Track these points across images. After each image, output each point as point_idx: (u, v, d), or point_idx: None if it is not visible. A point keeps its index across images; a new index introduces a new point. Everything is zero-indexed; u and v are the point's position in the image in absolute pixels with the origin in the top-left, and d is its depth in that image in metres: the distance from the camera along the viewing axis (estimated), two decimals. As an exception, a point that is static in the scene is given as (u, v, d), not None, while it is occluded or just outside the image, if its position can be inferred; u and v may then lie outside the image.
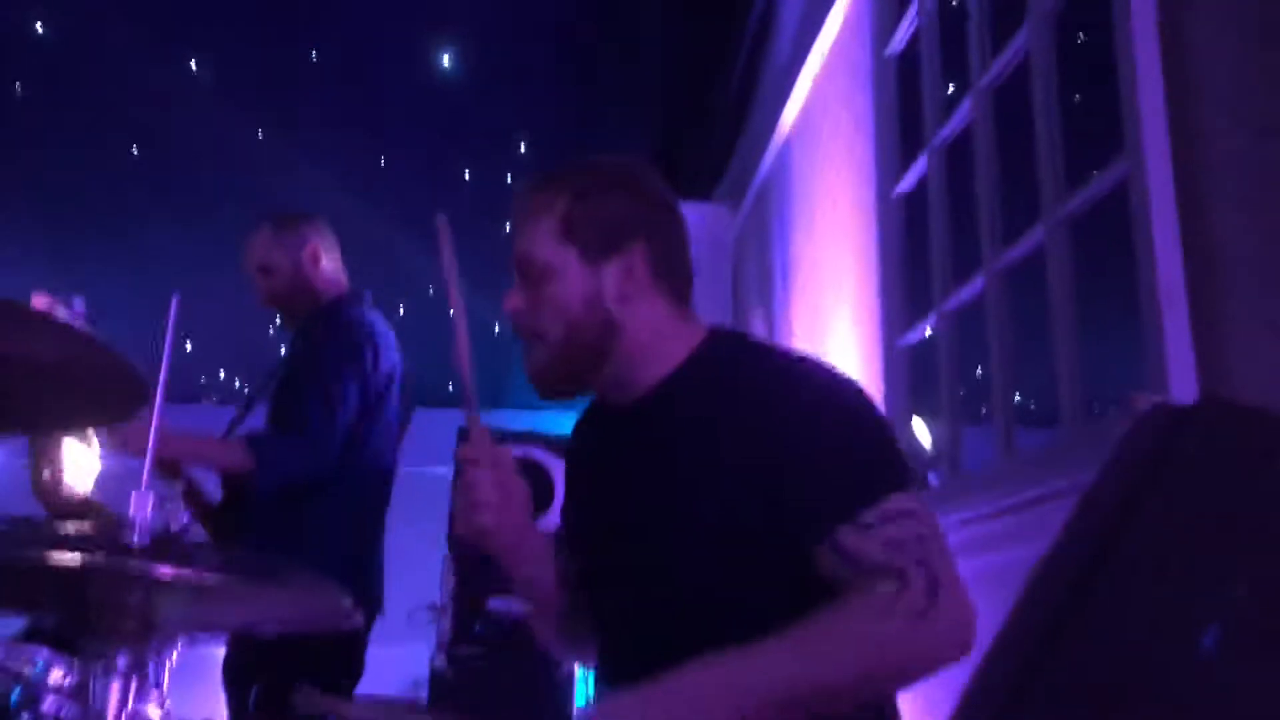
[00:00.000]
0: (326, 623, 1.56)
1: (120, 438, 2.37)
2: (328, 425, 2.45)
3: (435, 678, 3.87)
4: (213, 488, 2.64)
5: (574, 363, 1.29)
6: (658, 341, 1.30)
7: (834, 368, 1.27)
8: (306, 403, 2.45)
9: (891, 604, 1.07)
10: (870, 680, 1.10)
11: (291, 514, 2.48)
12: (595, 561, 1.36)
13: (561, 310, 1.28)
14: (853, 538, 1.11)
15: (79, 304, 2.34)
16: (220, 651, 2.56)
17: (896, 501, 1.12)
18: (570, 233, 1.28)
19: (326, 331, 2.58)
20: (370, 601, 2.57)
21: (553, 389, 1.33)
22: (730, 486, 1.18)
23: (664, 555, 1.24)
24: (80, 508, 3.74)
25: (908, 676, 1.11)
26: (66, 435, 3.71)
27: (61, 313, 2.29)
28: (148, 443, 2.35)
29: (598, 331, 1.27)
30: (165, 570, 1.11)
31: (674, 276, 1.32)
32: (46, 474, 3.70)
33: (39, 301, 2.22)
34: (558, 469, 3.82)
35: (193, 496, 2.56)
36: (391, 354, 2.67)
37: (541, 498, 3.71)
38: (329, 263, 2.73)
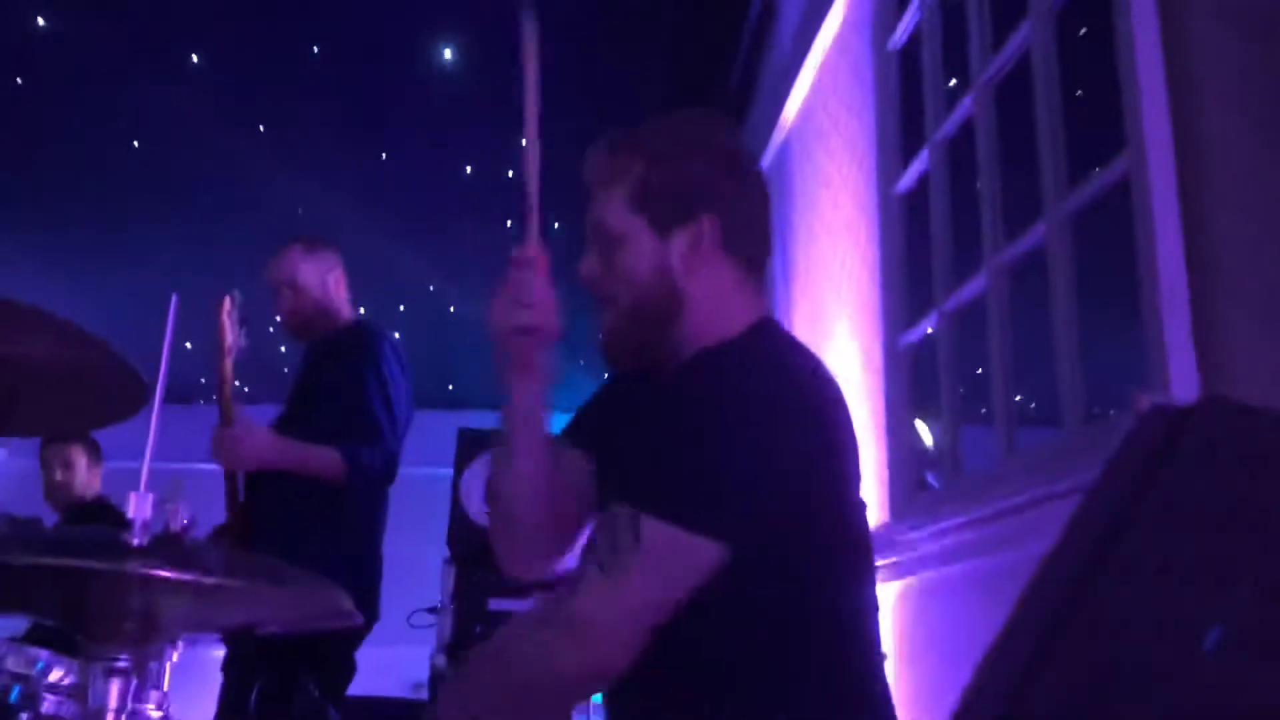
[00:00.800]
0: (326, 623, 1.56)
1: (239, 449, 2.52)
2: (392, 432, 2.61)
3: (436, 679, 3.87)
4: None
5: (642, 330, 1.29)
6: (724, 311, 1.28)
7: (816, 394, 1.21)
8: (374, 413, 2.59)
9: (541, 618, 1.13)
10: (522, 690, 1.13)
11: (301, 519, 2.54)
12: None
13: (630, 278, 1.27)
14: (598, 523, 1.14)
15: (238, 297, 2.48)
16: (220, 652, 2.57)
17: (655, 528, 1.07)
18: (642, 200, 1.27)
19: (369, 351, 2.69)
20: (369, 605, 2.60)
21: (621, 356, 1.32)
22: (628, 461, 1.21)
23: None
24: (92, 509, 3.76)
25: (540, 690, 1.13)
26: (67, 435, 3.74)
27: (226, 306, 2.41)
28: (240, 448, 2.47)
29: (664, 301, 1.27)
30: (164, 571, 1.10)
31: (746, 246, 1.30)
32: (58, 475, 3.73)
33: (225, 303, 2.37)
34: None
35: (232, 493, 2.63)
36: (410, 384, 2.78)
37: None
38: (345, 290, 2.89)
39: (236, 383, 2.60)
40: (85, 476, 3.78)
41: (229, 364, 2.58)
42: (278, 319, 2.90)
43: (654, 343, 1.29)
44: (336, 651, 2.54)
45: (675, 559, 1.08)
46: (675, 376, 1.27)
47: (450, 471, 3.82)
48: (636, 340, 1.30)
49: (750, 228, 1.32)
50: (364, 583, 2.60)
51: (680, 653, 1.12)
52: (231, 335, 2.58)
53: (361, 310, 2.95)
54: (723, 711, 1.15)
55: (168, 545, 1.15)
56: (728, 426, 1.12)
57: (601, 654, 1.08)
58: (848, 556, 1.23)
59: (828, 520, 1.19)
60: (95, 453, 3.82)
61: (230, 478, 2.61)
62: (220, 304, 2.58)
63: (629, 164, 1.29)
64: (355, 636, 2.56)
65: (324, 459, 2.53)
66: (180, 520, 1.18)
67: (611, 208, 1.29)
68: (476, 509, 3.57)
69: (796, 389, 1.20)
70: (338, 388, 2.65)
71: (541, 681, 1.11)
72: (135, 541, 1.12)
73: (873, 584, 1.28)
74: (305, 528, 2.53)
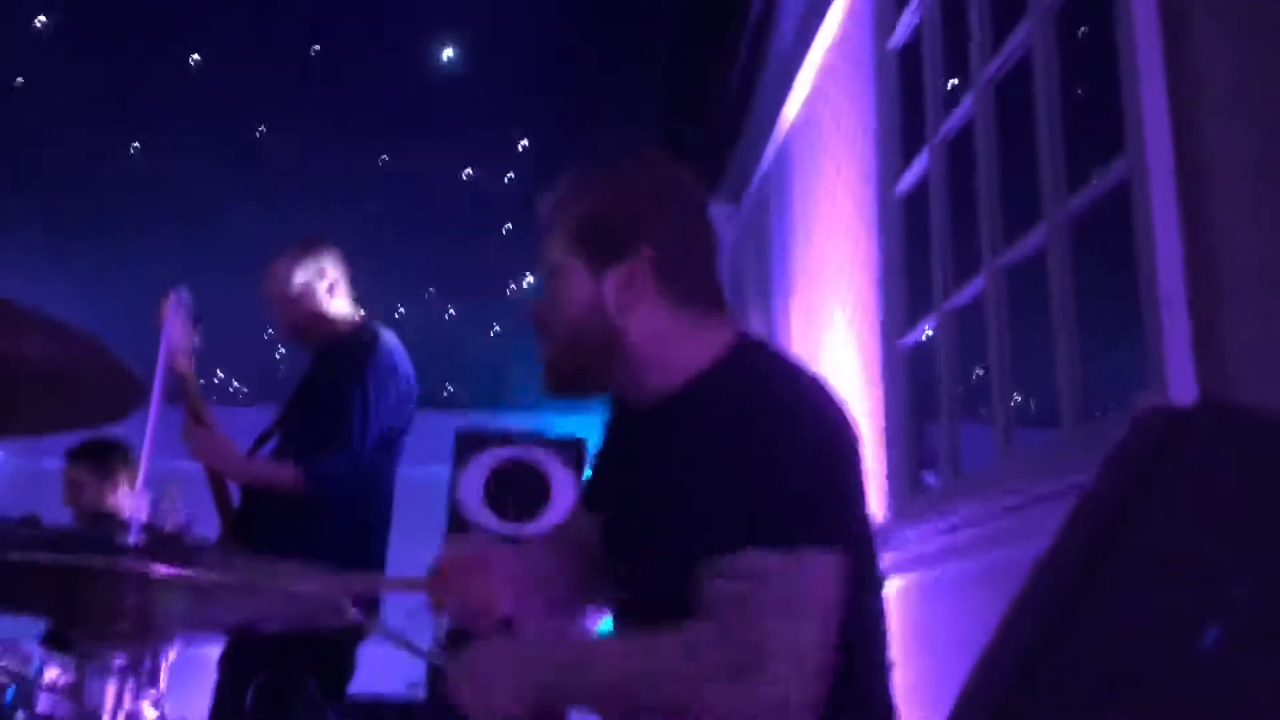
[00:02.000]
0: (325, 622, 1.56)
1: (195, 443, 2.53)
2: (362, 442, 2.58)
3: (433, 677, 3.87)
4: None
5: (578, 363, 1.33)
6: (664, 349, 1.30)
7: (821, 396, 1.24)
8: (346, 421, 2.57)
9: (700, 652, 1.10)
10: (670, 711, 1.12)
11: (305, 523, 2.55)
12: (610, 537, 1.40)
13: (565, 313, 1.32)
14: (711, 570, 1.12)
15: (185, 295, 2.47)
16: (217, 651, 2.57)
17: (775, 562, 1.09)
18: (579, 240, 1.32)
19: (362, 360, 2.67)
20: (370, 606, 2.60)
21: (559, 386, 1.36)
22: (673, 505, 1.22)
23: (647, 559, 1.28)
24: (92, 519, 3.75)
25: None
26: (71, 458, 3.72)
27: (171, 305, 2.39)
28: (214, 452, 2.47)
29: (599, 336, 1.30)
30: (158, 570, 1.10)
31: (686, 282, 1.32)
32: (68, 497, 3.71)
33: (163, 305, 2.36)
34: (556, 470, 3.81)
35: (221, 500, 2.63)
36: (412, 384, 2.77)
37: (539, 498, 3.71)
38: (344, 294, 2.85)
39: (201, 381, 2.60)
40: (94, 494, 3.75)
41: (184, 362, 2.56)
42: (274, 330, 2.90)
43: (591, 375, 1.34)
44: (336, 650, 2.54)
45: (820, 583, 1.11)
46: (680, 410, 1.29)
47: (448, 472, 3.81)
48: (570, 371, 1.35)
49: (691, 264, 1.34)
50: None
51: None
52: (180, 335, 2.55)
53: (362, 313, 2.94)
54: None
55: (163, 543, 1.15)
56: (771, 443, 1.16)
57: (801, 692, 1.08)
58: (863, 564, 1.24)
59: (850, 528, 1.21)
60: (104, 466, 3.76)
61: (216, 480, 2.61)
62: (163, 304, 2.55)
63: (570, 205, 1.35)
64: (355, 635, 2.56)
65: (279, 475, 2.55)
66: (176, 519, 1.18)
67: (554, 247, 1.34)
68: (473, 509, 3.57)
69: (813, 404, 1.23)
70: (322, 393, 2.66)
71: None
72: (131, 540, 1.11)
73: (881, 591, 1.29)
74: (304, 526, 2.53)
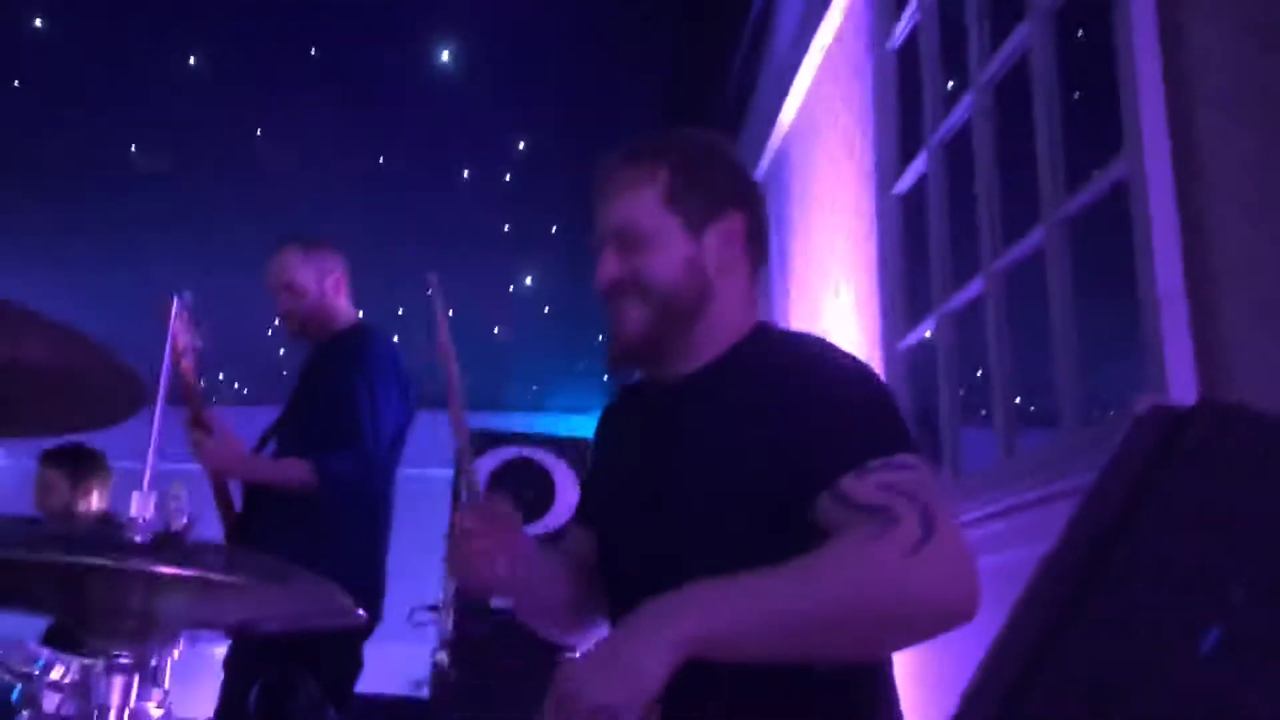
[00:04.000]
0: (328, 622, 1.57)
1: (202, 452, 2.54)
2: (375, 441, 2.58)
3: (437, 676, 3.88)
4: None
5: (668, 327, 1.31)
6: (741, 311, 1.35)
7: (847, 351, 1.30)
8: (356, 418, 2.56)
9: (881, 535, 1.06)
10: (864, 611, 1.06)
11: (310, 524, 2.54)
12: (618, 530, 1.37)
13: (663, 275, 1.30)
14: (852, 481, 1.11)
15: (187, 297, 2.46)
16: (221, 650, 2.58)
17: (900, 457, 1.13)
18: (673, 201, 1.31)
19: (365, 357, 2.68)
20: (372, 604, 2.61)
21: (639, 355, 1.34)
22: (758, 455, 1.20)
23: (692, 525, 1.24)
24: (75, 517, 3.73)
25: (903, 614, 1.07)
26: (47, 458, 3.70)
27: (174, 308, 2.38)
28: (222, 456, 2.47)
29: (696, 296, 1.31)
30: (164, 569, 1.11)
31: (762, 250, 1.38)
32: (38, 498, 3.69)
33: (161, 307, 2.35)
34: (558, 470, 3.82)
35: (223, 501, 2.64)
36: (410, 383, 2.78)
37: (542, 499, 3.71)
38: (346, 292, 2.86)
39: (201, 382, 2.59)
40: (64, 497, 3.73)
41: (187, 365, 2.54)
42: (276, 321, 2.89)
43: (676, 341, 1.32)
44: (341, 649, 2.55)
45: (928, 470, 1.14)
46: (731, 371, 1.30)
47: (450, 471, 3.82)
48: (658, 337, 1.31)
49: (765, 230, 1.39)
50: (367, 581, 2.61)
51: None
52: (184, 337, 2.55)
53: (360, 313, 2.94)
54: (739, 708, 1.16)
55: (169, 543, 1.15)
56: (858, 387, 1.22)
57: (964, 558, 1.08)
58: None
59: None
60: (78, 472, 3.71)
61: (218, 482, 2.62)
62: (166, 307, 2.54)
63: (655, 168, 1.32)
64: (359, 634, 2.57)
65: (292, 472, 2.53)
66: (181, 520, 1.18)
67: (642, 209, 1.31)
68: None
69: (858, 359, 1.29)
70: (327, 391, 2.65)
71: (934, 613, 1.07)
72: (137, 539, 1.12)
73: None
74: (306, 526, 2.53)
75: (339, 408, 2.59)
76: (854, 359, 1.28)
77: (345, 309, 2.85)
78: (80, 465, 3.68)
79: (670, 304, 1.30)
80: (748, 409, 1.23)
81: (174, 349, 2.49)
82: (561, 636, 1.49)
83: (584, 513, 1.48)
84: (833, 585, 1.05)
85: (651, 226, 1.30)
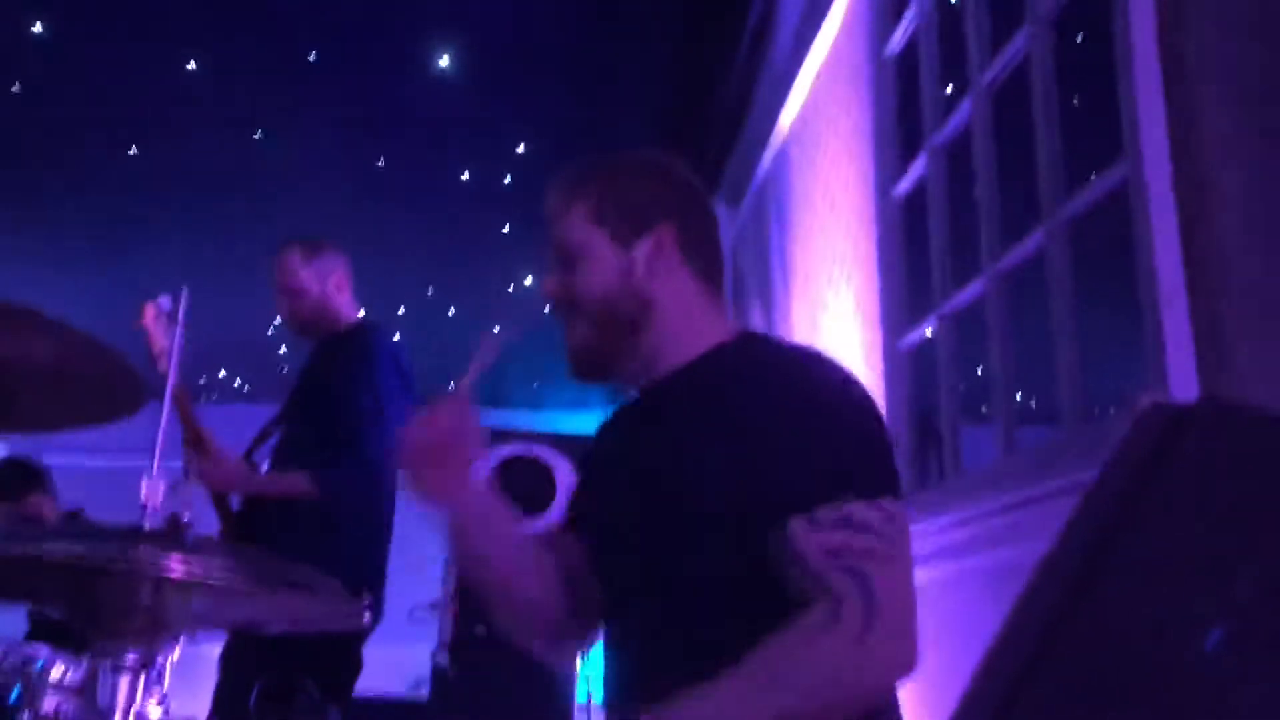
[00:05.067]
0: (333, 622, 1.56)
1: (203, 474, 2.55)
2: (378, 445, 2.56)
3: (437, 676, 3.88)
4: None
5: (610, 339, 1.33)
6: (689, 321, 1.34)
7: (846, 369, 1.27)
8: (357, 420, 2.56)
9: (827, 627, 1.06)
10: (822, 708, 1.08)
11: (312, 525, 2.54)
12: (600, 540, 1.38)
13: (597, 287, 1.33)
14: (801, 532, 1.11)
15: (167, 302, 2.42)
16: (218, 649, 2.57)
17: (858, 510, 1.11)
18: (601, 216, 1.34)
19: (367, 357, 2.68)
20: (375, 605, 2.61)
21: (590, 367, 1.37)
22: (724, 470, 1.19)
23: (662, 536, 1.25)
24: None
25: (855, 699, 1.10)
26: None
27: (149, 314, 2.35)
28: (222, 478, 2.46)
29: (632, 307, 1.32)
30: (174, 568, 1.11)
31: (704, 259, 1.37)
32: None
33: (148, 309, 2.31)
34: (559, 467, 3.81)
35: (221, 503, 2.64)
36: (414, 385, 2.77)
37: (542, 496, 3.71)
38: (348, 291, 2.87)
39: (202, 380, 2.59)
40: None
41: (163, 369, 2.51)
42: (278, 320, 2.90)
43: (622, 352, 1.34)
44: (341, 649, 2.54)
45: (902, 530, 1.12)
46: (700, 379, 1.30)
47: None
48: (603, 350, 1.34)
49: (706, 243, 1.39)
50: (368, 581, 2.61)
51: (689, 635, 1.15)
52: (160, 341, 2.53)
53: (362, 312, 2.94)
54: None
55: (178, 532, 1.15)
56: (836, 415, 1.19)
57: (907, 636, 1.09)
58: None
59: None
60: (8, 489, 3.55)
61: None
62: (143, 313, 2.51)
63: (585, 187, 1.37)
64: (360, 635, 2.56)
65: (292, 484, 2.54)
66: (189, 512, 1.18)
67: (573, 226, 1.35)
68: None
69: (845, 373, 1.26)
70: (329, 393, 2.65)
71: (872, 695, 1.11)
72: (146, 526, 1.12)
73: None
74: (307, 526, 2.53)
75: (340, 413, 2.58)
76: (843, 377, 1.26)
77: (347, 308, 2.86)
78: (10, 483, 3.50)
79: (605, 315, 1.32)
80: (715, 420, 1.23)
81: (157, 356, 2.49)
82: (544, 650, 1.48)
83: (569, 521, 1.48)
84: (789, 691, 1.07)
85: (581, 242, 1.34)
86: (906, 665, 1.08)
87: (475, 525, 1.35)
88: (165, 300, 2.47)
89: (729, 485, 1.18)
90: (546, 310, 1.39)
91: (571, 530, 1.45)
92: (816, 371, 1.25)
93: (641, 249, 1.32)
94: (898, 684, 1.13)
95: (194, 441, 2.54)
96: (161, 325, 2.53)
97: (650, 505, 1.27)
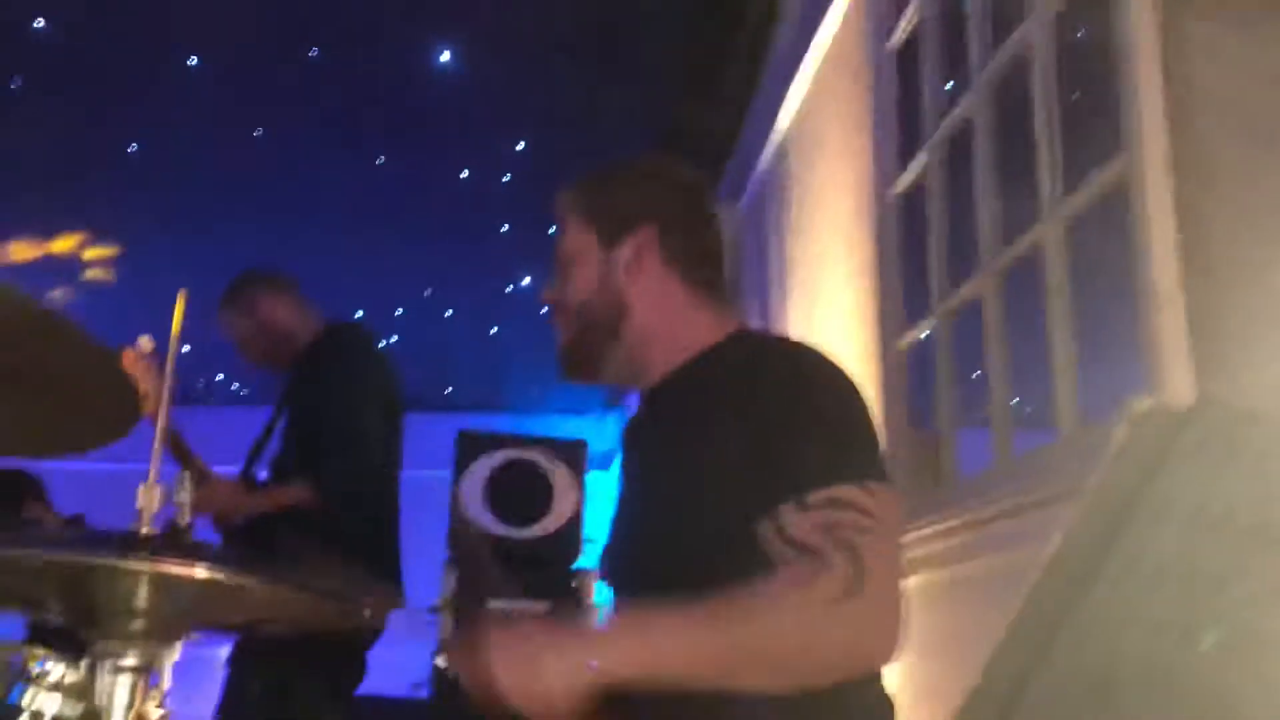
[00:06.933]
0: (337, 624, 1.56)
1: (202, 502, 2.52)
2: (362, 441, 2.60)
3: (437, 677, 3.87)
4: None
5: (591, 340, 1.36)
6: (669, 326, 1.35)
7: (833, 358, 1.29)
8: (341, 426, 2.59)
9: (807, 581, 1.06)
10: (778, 654, 1.08)
11: (316, 527, 2.55)
12: (612, 552, 1.40)
13: (578, 290, 1.37)
14: (790, 515, 1.11)
15: (147, 342, 2.36)
16: (223, 651, 2.57)
17: (847, 491, 1.12)
18: (591, 220, 1.38)
19: (336, 362, 2.71)
20: (392, 600, 2.61)
21: (573, 367, 1.40)
22: (719, 467, 1.20)
23: (664, 540, 1.26)
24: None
25: (822, 662, 1.09)
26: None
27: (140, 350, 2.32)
28: (220, 504, 2.48)
29: (609, 308, 1.35)
30: (174, 568, 1.11)
31: (692, 262, 1.38)
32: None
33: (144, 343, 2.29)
34: (556, 472, 3.81)
35: (221, 523, 2.66)
36: (393, 372, 2.79)
37: (539, 502, 3.70)
38: (286, 308, 2.83)
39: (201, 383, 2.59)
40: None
41: (163, 412, 2.44)
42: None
43: (604, 353, 1.36)
44: (344, 651, 2.54)
45: (892, 512, 1.14)
46: (693, 380, 1.31)
47: (449, 473, 3.81)
48: (582, 351, 1.38)
49: (696, 246, 1.40)
50: (379, 579, 2.61)
51: None
52: (148, 383, 2.48)
53: (353, 315, 2.94)
54: (731, 708, 1.16)
55: (177, 537, 1.15)
56: (823, 402, 1.21)
57: (893, 612, 1.08)
58: None
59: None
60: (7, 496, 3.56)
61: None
62: (130, 351, 2.45)
63: (581, 194, 1.41)
64: (364, 637, 2.56)
65: (290, 496, 2.56)
66: (185, 517, 1.18)
67: (568, 232, 1.40)
68: (474, 511, 3.58)
69: (836, 366, 1.27)
70: (307, 409, 2.69)
71: (850, 664, 1.10)
72: (143, 531, 1.12)
73: None
74: (314, 531, 2.53)
75: (319, 427, 2.61)
76: (831, 369, 1.27)
77: (302, 326, 2.83)
78: (5, 493, 3.47)
79: (585, 316, 1.36)
80: (708, 420, 1.24)
81: (150, 396, 2.47)
82: None
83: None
84: (750, 627, 1.07)
85: (574, 248, 1.39)
86: (888, 639, 1.07)
87: None
88: (145, 340, 2.33)
89: (724, 482, 1.19)
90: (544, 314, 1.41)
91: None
92: (803, 361, 1.27)
93: (623, 250, 1.35)
94: (880, 661, 1.12)
95: (192, 478, 2.54)
96: (142, 368, 2.39)
97: (650, 508, 1.29)
